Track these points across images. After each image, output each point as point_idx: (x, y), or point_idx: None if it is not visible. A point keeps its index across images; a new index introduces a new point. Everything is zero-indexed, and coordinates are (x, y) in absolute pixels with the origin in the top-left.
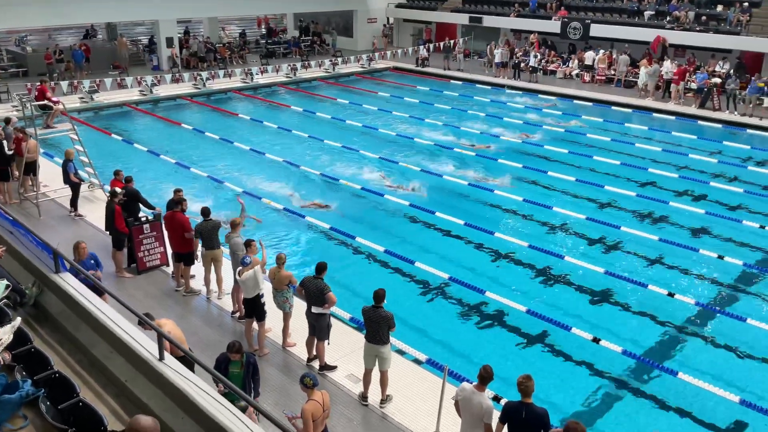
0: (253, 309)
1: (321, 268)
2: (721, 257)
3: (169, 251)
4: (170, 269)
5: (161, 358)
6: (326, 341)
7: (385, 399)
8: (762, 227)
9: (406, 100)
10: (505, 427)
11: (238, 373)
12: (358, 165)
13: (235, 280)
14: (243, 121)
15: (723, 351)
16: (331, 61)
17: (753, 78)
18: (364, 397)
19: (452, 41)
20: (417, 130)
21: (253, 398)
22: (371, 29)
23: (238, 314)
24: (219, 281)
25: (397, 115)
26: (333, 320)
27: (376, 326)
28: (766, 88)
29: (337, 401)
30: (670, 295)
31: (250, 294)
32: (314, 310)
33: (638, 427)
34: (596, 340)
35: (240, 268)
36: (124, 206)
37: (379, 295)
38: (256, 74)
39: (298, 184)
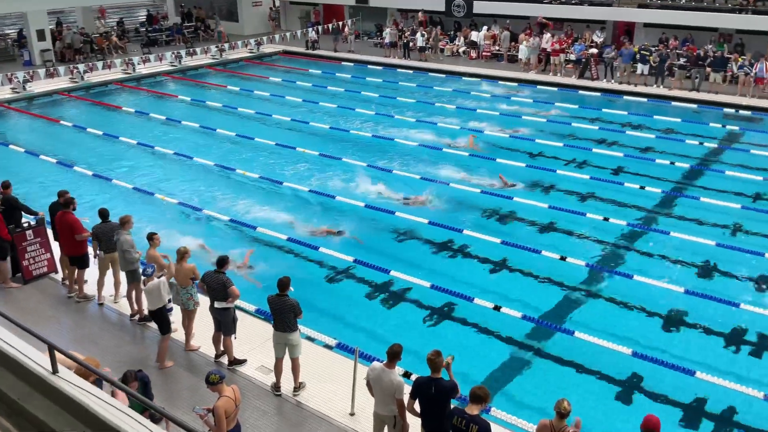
0: (156, 322)
1: (222, 261)
2: (606, 219)
3: (57, 257)
4: (59, 276)
5: (54, 371)
6: (233, 336)
7: (298, 387)
8: (642, 188)
9: (299, 84)
10: (417, 401)
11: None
12: (253, 153)
13: (129, 282)
14: (127, 114)
15: (614, 307)
16: (217, 47)
17: (623, 48)
18: (276, 387)
19: (340, 23)
20: (312, 115)
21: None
22: (257, 13)
23: (137, 316)
24: (117, 284)
25: (291, 100)
26: (238, 313)
27: (282, 314)
28: (638, 56)
29: (250, 394)
30: (563, 258)
31: (153, 306)
32: (217, 305)
33: (543, 386)
34: (497, 308)
35: (144, 278)
36: (4, 214)
37: (283, 283)
38: (138, 64)
39: (192, 176)
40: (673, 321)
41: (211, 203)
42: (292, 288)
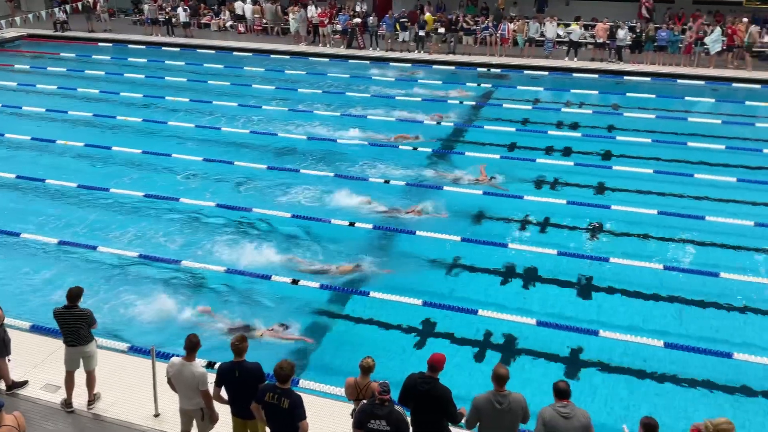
0: None
1: None
2: (387, 182)
3: None
4: None
5: None
6: (6, 358)
7: (93, 399)
8: (415, 149)
9: (51, 71)
10: (223, 388)
11: None
12: (5, 151)
13: None
14: None
15: (401, 263)
16: None
17: (387, 15)
18: (68, 403)
19: (92, 0)
20: (70, 103)
21: None
22: None
23: None
24: None
25: (43, 88)
26: (11, 332)
27: (74, 327)
28: (399, 24)
29: (38, 417)
30: (351, 224)
31: None
32: None
33: (347, 349)
34: (295, 282)
35: None
36: None
37: (74, 294)
38: None
39: None
40: (454, 267)
41: None
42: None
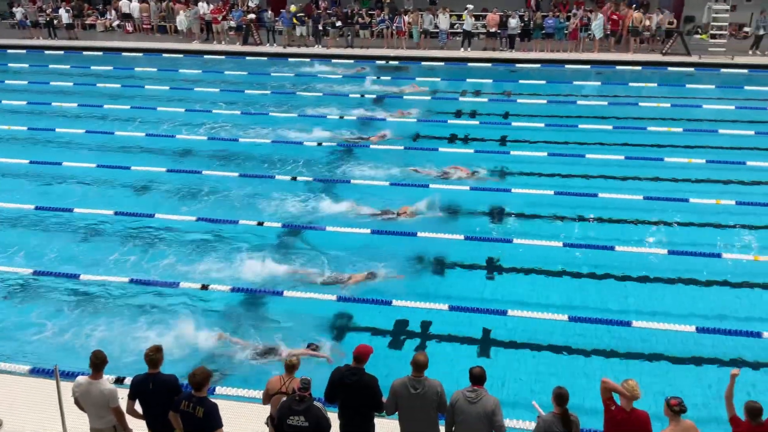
0: None
1: None
2: (294, 178)
3: None
4: None
5: None
6: None
7: None
8: (320, 144)
9: None
10: (137, 402)
11: None
12: None
13: None
14: None
15: (310, 258)
16: None
17: (283, 11)
18: None
19: None
20: None
21: None
22: None
23: None
24: None
25: None
26: None
27: None
28: (296, 18)
29: None
30: (260, 224)
31: None
32: None
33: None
34: (205, 287)
35: None
36: None
37: None
38: None
39: None
40: (364, 260)
41: None
42: None
